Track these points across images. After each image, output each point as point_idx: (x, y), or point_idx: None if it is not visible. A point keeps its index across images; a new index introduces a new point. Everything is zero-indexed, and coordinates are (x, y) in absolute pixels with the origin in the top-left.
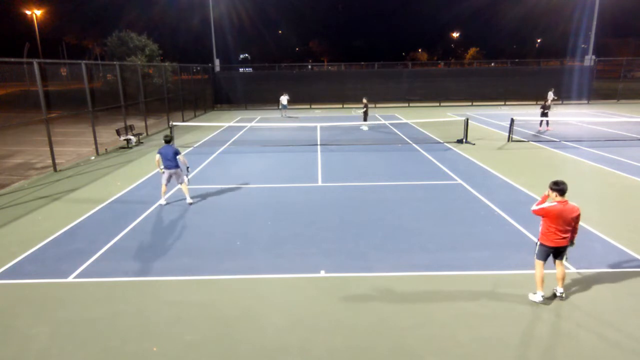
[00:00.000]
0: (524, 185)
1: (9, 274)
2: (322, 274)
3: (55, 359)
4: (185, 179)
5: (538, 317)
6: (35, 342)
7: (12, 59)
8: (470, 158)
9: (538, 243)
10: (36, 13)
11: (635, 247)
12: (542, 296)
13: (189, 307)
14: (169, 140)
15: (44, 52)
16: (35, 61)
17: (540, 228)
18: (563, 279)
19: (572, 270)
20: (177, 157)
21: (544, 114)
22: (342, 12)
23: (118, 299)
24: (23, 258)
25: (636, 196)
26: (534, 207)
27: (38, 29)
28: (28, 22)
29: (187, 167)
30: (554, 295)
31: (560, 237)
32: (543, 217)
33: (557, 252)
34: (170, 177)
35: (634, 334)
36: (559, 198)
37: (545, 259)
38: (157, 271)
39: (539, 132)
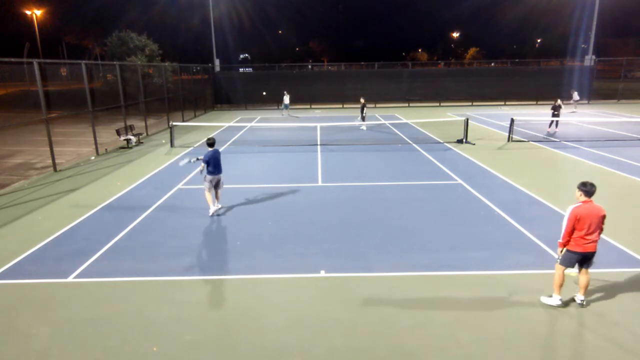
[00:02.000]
0: (524, 185)
1: (9, 274)
2: (322, 274)
3: (55, 359)
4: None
5: (538, 317)
6: (36, 342)
7: (12, 59)
8: (470, 158)
9: (564, 250)
10: (36, 13)
11: (635, 247)
12: (560, 300)
13: (189, 307)
14: (211, 143)
15: (44, 52)
16: (35, 61)
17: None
18: (586, 287)
19: (572, 270)
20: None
21: (554, 115)
22: (342, 12)
23: (118, 299)
24: (23, 258)
25: (636, 196)
26: (563, 232)
27: (38, 29)
28: (28, 22)
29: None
30: (574, 302)
31: (588, 242)
32: (573, 223)
33: (585, 259)
34: (214, 184)
35: (634, 335)
36: (583, 198)
37: (570, 266)
38: (157, 271)
39: (548, 133)
